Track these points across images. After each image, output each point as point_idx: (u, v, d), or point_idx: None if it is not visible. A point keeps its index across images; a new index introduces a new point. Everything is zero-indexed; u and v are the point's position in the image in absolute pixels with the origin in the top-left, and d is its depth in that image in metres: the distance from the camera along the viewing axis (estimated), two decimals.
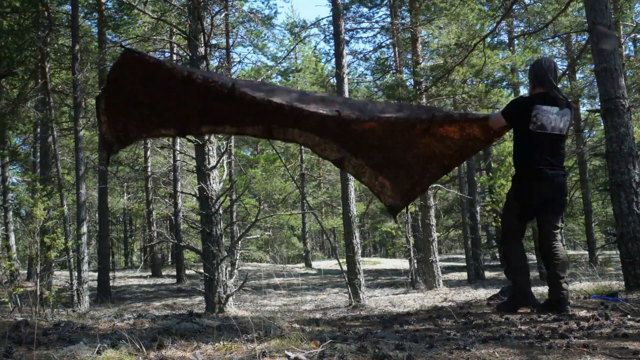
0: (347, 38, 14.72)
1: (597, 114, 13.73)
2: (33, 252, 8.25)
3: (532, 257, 15.43)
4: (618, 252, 5.10)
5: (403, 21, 14.60)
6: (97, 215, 17.93)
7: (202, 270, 7.89)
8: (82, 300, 10.69)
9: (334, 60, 13.72)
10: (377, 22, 15.84)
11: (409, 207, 13.30)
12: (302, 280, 16.51)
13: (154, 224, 20.22)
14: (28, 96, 12.62)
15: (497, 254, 22.06)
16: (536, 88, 3.72)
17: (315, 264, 24.80)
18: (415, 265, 13.53)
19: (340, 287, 13.93)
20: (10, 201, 16.76)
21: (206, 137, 7.85)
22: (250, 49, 23.97)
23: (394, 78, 14.66)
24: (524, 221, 3.92)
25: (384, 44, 16.13)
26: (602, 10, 5.11)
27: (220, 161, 8.13)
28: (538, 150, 3.63)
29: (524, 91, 18.30)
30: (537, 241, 11.59)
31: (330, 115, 3.43)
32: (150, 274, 19.43)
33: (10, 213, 16.75)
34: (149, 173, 19.01)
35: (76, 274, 11.00)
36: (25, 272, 16.86)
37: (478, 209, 16.95)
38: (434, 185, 14.11)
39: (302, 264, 24.46)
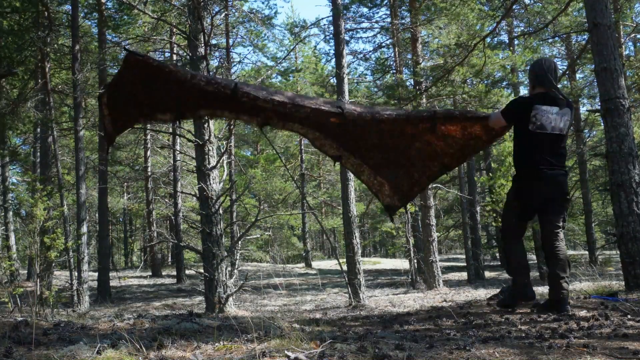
0: (347, 38, 14.72)
1: (597, 114, 13.73)
2: (33, 252, 8.25)
3: (532, 257, 15.43)
4: (618, 252, 5.10)
5: (403, 21, 14.60)
6: (97, 215, 17.94)
7: (202, 270, 7.89)
8: (82, 300, 10.69)
9: (334, 60, 13.74)
10: (377, 22, 15.85)
11: (409, 207, 13.30)
12: (302, 280, 16.51)
13: (154, 224, 20.23)
14: (28, 96, 12.61)
15: (497, 254, 22.07)
16: (536, 88, 3.72)
17: (315, 264, 24.80)
18: (415, 265, 13.54)
19: (340, 287, 13.93)
20: (10, 201, 16.76)
21: (206, 137, 7.85)
22: (250, 49, 23.98)
23: (394, 78, 14.66)
24: (524, 221, 3.92)
25: (384, 44, 16.14)
26: (602, 10, 5.11)
27: (220, 161, 8.13)
28: (538, 150, 3.63)
29: (524, 91, 18.31)
30: (537, 241, 11.62)
31: (332, 111, 3.47)
32: (150, 274, 19.43)
33: (10, 213, 16.75)
34: (149, 173, 19.01)
35: (76, 274, 11.00)
36: (25, 272, 16.86)
37: (478, 209, 16.96)
38: (434, 185, 14.11)
39: (302, 264, 24.46)
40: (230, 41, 17.53)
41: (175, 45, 14.72)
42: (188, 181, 19.94)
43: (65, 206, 11.34)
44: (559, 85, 4.27)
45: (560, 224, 3.69)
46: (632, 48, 19.16)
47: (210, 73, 8.16)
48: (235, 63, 17.84)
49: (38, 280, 8.32)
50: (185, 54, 11.59)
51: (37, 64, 12.80)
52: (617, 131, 4.88)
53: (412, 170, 4.14)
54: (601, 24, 5.06)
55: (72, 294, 10.77)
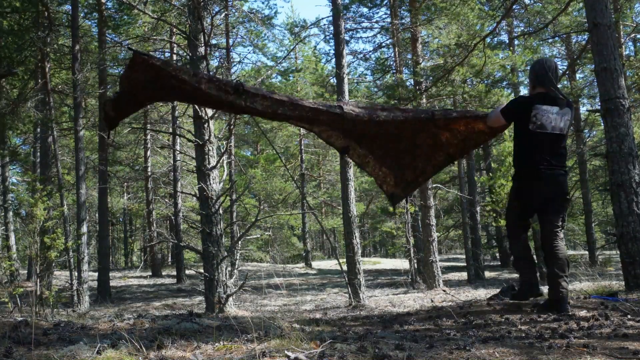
0: (347, 38, 14.72)
1: (597, 114, 13.73)
2: (33, 252, 8.25)
3: None
4: (618, 252, 5.10)
5: (403, 21, 14.60)
6: (97, 215, 17.94)
7: (202, 270, 7.89)
8: (82, 300, 10.69)
9: (334, 60, 13.72)
10: (377, 22, 15.84)
11: (409, 207, 13.31)
12: (302, 280, 16.51)
13: (154, 224, 20.22)
14: (28, 96, 12.61)
15: (497, 254, 22.07)
16: (536, 88, 3.72)
17: (315, 264, 24.80)
18: (415, 265, 13.54)
19: (340, 287, 13.94)
20: (10, 201, 16.76)
21: (206, 137, 7.86)
22: (250, 49, 23.98)
23: (394, 78, 14.66)
24: (524, 220, 3.93)
25: (384, 44, 16.14)
26: (602, 10, 5.11)
27: (220, 161, 8.13)
28: (538, 150, 3.63)
29: (524, 91, 18.32)
30: (537, 241, 11.61)
31: (332, 112, 3.52)
32: (150, 274, 19.43)
33: (10, 213, 16.74)
34: (149, 173, 19.02)
35: (76, 274, 11.00)
36: (25, 272, 16.87)
37: (478, 209, 16.96)
38: (434, 185, 14.12)
39: (302, 264, 24.46)
40: (230, 41, 17.53)
41: (175, 45, 14.73)
42: (188, 181, 19.94)
43: (65, 206, 11.34)
44: (559, 85, 4.27)
45: (560, 223, 3.69)
46: (632, 48, 19.17)
47: (210, 73, 8.15)
48: (235, 63, 17.86)
49: (38, 280, 8.32)
50: (185, 54, 11.60)
51: (37, 64, 12.80)
52: (617, 131, 4.88)
53: (417, 160, 4.17)
54: (601, 24, 5.06)
55: (72, 294, 10.78)
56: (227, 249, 8.09)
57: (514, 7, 13.60)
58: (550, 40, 17.33)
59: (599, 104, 5.23)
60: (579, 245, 24.78)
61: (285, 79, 23.69)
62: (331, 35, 13.09)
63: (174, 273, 18.09)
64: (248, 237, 11.49)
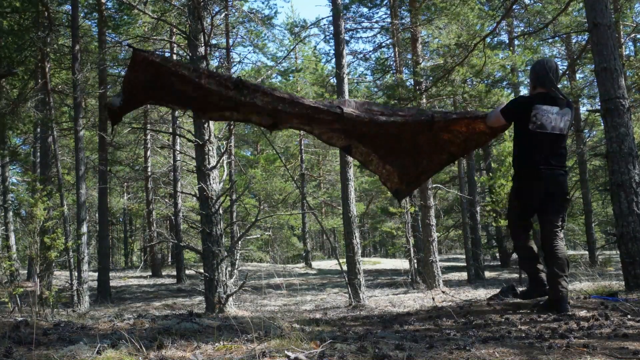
0: (347, 38, 14.72)
1: (597, 114, 13.73)
2: (33, 252, 8.25)
3: None
4: (618, 252, 5.10)
5: (403, 21, 14.60)
6: (97, 215, 17.94)
7: (202, 270, 7.89)
8: (82, 300, 10.69)
9: (334, 60, 13.73)
10: (377, 22, 15.84)
11: (409, 207, 13.31)
12: (302, 280, 16.51)
13: (154, 224, 20.22)
14: (28, 96, 12.61)
15: (497, 254, 22.07)
16: (537, 88, 3.73)
17: (315, 264, 24.80)
18: (415, 265, 13.53)
19: (340, 287, 13.93)
20: (10, 201, 16.76)
21: (206, 137, 7.86)
22: (250, 49, 23.96)
23: (394, 78, 14.66)
24: (525, 220, 3.93)
25: (384, 44, 16.14)
26: (602, 10, 5.11)
27: (220, 161, 8.13)
28: (538, 149, 3.64)
29: (524, 91, 18.31)
30: (537, 241, 11.62)
31: (332, 111, 3.53)
32: (150, 274, 19.43)
33: (10, 213, 16.74)
34: (149, 173, 19.02)
35: (76, 274, 11.00)
36: (25, 272, 16.86)
37: (478, 209, 16.95)
38: (434, 185, 14.12)
39: (302, 264, 24.46)
40: (230, 41, 17.53)
41: (175, 45, 14.72)
42: (188, 181, 19.94)
43: (65, 206, 11.34)
44: (559, 86, 4.27)
45: (560, 223, 3.69)
46: (632, 48, 19.18)
47: None
48: (235, 63, 17.84)
49: (38, 280, 8.32)
50: (185, 54, 11.59)
51: (37, 64, 12.80)
52: (617, 131, 4.88)
53: (419, 158, 4.18)
54: (601, 24, 5.06)
55: (72, 294, 10.77)
56: (227, 249, 8.09)
57: (514, 7, 13.60)
58: (550, 40, 17.34)
59: (599, 104, 5.23)
60: (579, 245, 24.79)
61: (285, 79, 23.69)
62: (331, 35, 13.10)
63: (174, 273, 18.09)
64: (248, 237, 11.50)
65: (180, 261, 17.16)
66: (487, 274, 16.59)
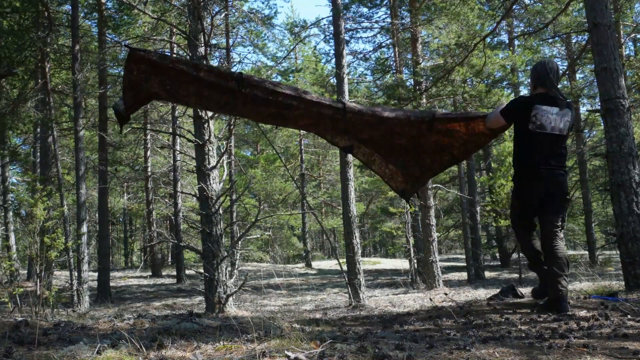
0: (347, 38, 14.72)
1: (597, 114, 13.73)
2: (33, 252, 8.24)
3: None
4: (618, 252, 5.10)
5: (403, 21, 14.60)
6: (97, 215, 17.93)
7: (202, 270, 7.89)
8: (82, 300, 10.69)
9: (334, 60, 13.74)
10: (377, 22, 15.84)
11: (409, 207, 13.31)
12: (302, 280, 16.51)
13: (154, 224, 20.22)
14: (28, 96, 12.61)
15: (497, 254, 22.07)
16: (537, 88, 3.74)
17: (315, 264, 24.80)
18: (415, 265, 13.53)
19: (340, 287, 13.93)
20: (10, 201, 16.76)
21: (206, 137, 7.85)
22: (250, 49, 24.00)
23: (394, 78, 14.66)
24: (525, 220, 3.93)
25: (384, 44, 16.14)
26: (602, 10, 5.11)
27: (220, 161, 8.13)
28: (537, 150, 3.64)
29: (524, 91, 18.31)
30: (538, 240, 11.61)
31: (334, 106, 3.54)
32: (150, 274, 19.42)
33: (10, 213, 16.74)
34: (149, 173, 19.01)
35: (76, 274, 11.00)
36: (25, 272, 16.86)
37: (478, 209, 16.95)
38: (434, 185, 14.11)
39: (302, 264, 24.46)
40: (230, 41, 17.53)
41: (175, 45, 14.72)
42: (188, 181, 19.94)
43: (65, 206, 11.34)
44: (559, 86, 4.28)
45: (560, 223, 3.69)
46: (632, 48, 19.17)
47: None
48: (235, 63, 17.83)
49: (38, 280, 8.31)
50: (185, 54, 11.59)
51: (37, 64, 12.80)
52: (617, 131, 4.88)
53: (422, 157, 4.20)
54: (601, 24, 5.06)
55: (72, 294, 10.77)
56: (227, 249, 8.09)
57: (514, 7, 13.60)
58: (550, 40, 17.33)
59: (599, 104, 5.23)
60: (579, 245, 24.79)
61: (286, 79, 23.69)
62: (331, 35, 13.10)
63: (174, 273, 18.09)
64: (248, 237, 11.49)
65: (180, 261, 17.16)
66: (487, 274, 16.59)
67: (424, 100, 12.68)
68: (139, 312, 8.93)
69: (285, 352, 2.39)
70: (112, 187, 21.01)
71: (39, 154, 15.16)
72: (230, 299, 7.62)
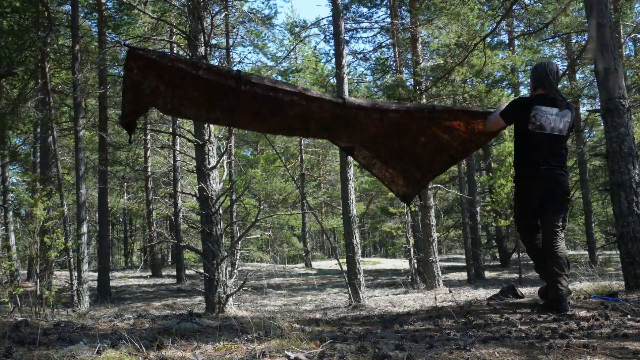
0: (347, 38, 14.71)
1: (597, 114, 13.73)
2: (33, 252, 8.24)
3: None
4: (618, 252, 5.10)
5: (403, 21, 14.60)
6: (97, 215, 17.93)
7: (202, 270, 7.89)
8: (82, 300, 10.69)
9: (334, 60, 13.72)
10: (377, 22, 15.84)
11: (409, 207, 13.30)
12: (302, 280, 16.51)
13: (154, 224, 20.22)
14: (28, 96, 12.61)
15: (497, 254, 22.07)
16: (537, 89, 3.76)
17: (315, 264, 24.80)
18: (415, 265, 13.53)
19: (340, 287, 13.93)
20: (10, 201, 16.76)
21: (206, 137, 7.86)
22: (250, 49, 23.98)
23: (394, 78, 14.66)
24: (525, 220, 3.93)
25: (384, 44, 16.14)
26: (602, 10, 5.11)
27: (220, 161, 8.13)
28: (537, 150, 3.66)
29: (524, 91, 18.32)
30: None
31: (334, 101, 3.54)
32: (150, 274, 19.42)
33: (10, 213, 16.74)
34: (149, 173, 19.01)
35: (76, 274, 11.00)
36: (25, 272, 16.86)
37: (478, 209, 16.95)
38: (434, 185, 14.11)
39: (302, 264, 24.46)
40: (230, 41, 17.52)
41: (175, 45, 14.72)
42: (188, 181, 19.94)
43: (65, 206, 11.34)
44: (559, 86, 4.29)
45: (560, 223, 3.69)
46: (632, 48, 19.17)
47: None
48: (235, 63, 17.83)
49: (38, 280, 8.32)
50: (185, 54, 11.59)
51: (37, 64, 12.80)
52: (617, 131, 4.88)
53: (421, 161, 4.21)
54: (601, 24, 5.06)
55: (72, 294, 10.77)
56: (227, 249, 8.09)
57: (514, 7, 13.60)
58: (550, 40, 17.33)
59: (599, 104, 5.22)
60: (579, 245, 24.78)
61: (286, 78, 23.68)
62: (331, 35, 13.09)
63: (174, 273, 18.08)
64: (248, 237, 11.49)
65: (180, 261, 17.16)
66: (487, 274, 16.59)
67: (424, 101, 12.68)
68: (139, 312, 8.94)
69: (285, 352, 2.39)
70: (112, 187, 21.00)
71: (39, 154, 15.16)
72: (230, 299, 7.62)
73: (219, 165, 8.03)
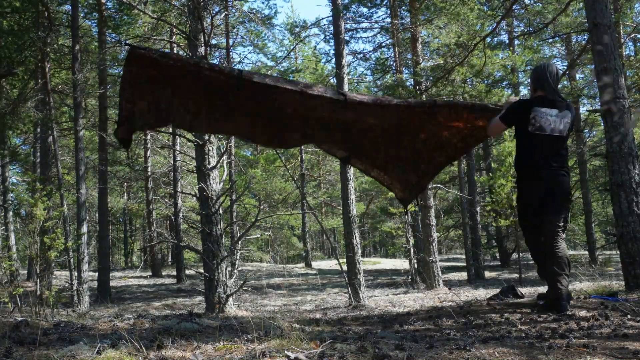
0: (347, 38, 14.72)
1: (597, 114, 13.73)
2: (33, 252, 8.25)
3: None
4: (618, 252, 5.10)
5: (403, 21, 14.60)
6: (97, 215, 17.93)
7: (202, 270, 7.89)
8: (82, 300, 10.69)
9: (334, 60, 13.73)
10: (377, 22, 15.84)
11: (409, 207, 13.30)
12: (302, 280, 16.50)
13: (154, 224, 20.21)
14: (28, 96, 12.61)
15: (497, 254, 22.07)
16: (537, 91, 3.78)
17: (315, 264, 24.80)
18: (415, 265, 13.53)
19: (340, 287, 13.93)
20: (10, 201, 16.76)
21: (206, 137, 7.86)
22: (250, 49, 23.98)
23: (394, 78, 14.66)
24: (525, 220, 3.93)
25: (384, 44, 16.14)
26: (602, 10, 5.11)
27: (220, 161, 8.13)
28: (538, 150, 3.68)
29: (524, 91, 18.32)
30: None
31: (335, 98, 3.51)
32: (150, 274, 19.42)
33: (10, 213, 16.74)
34: (149, 173, 19.01)
35: (76, 274, 11.00)
36: (25, 272, 16.86)
37: (478, 209, 16.95)
38: (434, 185, 14.11)
39: (302, 264, 24.46)
40: (230, 41, 17.52)
41: (175, 45, 14.72)
42: (188, 181, 19.93)
43: (65, 206, 11.34)
44: (559, 86, 4.29)
45: (561, 223, 3.69)
46: (632, 48, 19.17)
47: None
48: (235, 63, 17.83)
49: (38, 280, 8.32)
50: (185, 54, 11.58)
51: (37, 64, 12.80)
52: (617, 131, 4.88)
53: (419, 162, 4.21)
54: (601, 24, 5.06)
55: (72, 294, 10.77)
56: (227, 249, 8.09)
57: (514, 7, 13.60)
58: (550, 40, 17.34)
59: (599, 104, 5.22)
60: (579, 245, 24.78)
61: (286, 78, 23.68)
62: (331, 35, 13.09)
63: (174, 273, 18.08)
64: (248, 237, 11.49)
65: (180, 261, 17.16)
66: (487, 274, 16.59)
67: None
68: (139, 312, 8.94)
69: (285, 352, 2.39)
70: (112, 187, 21.01)
71: (39, 154, 15.16)
72: (230, 299, 7.62)
73: (219, 165, 8.03)
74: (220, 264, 7.57)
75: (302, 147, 24.87)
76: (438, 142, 4.08)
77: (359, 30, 16.13)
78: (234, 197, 15.97)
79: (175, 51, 15.42)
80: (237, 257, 8.86)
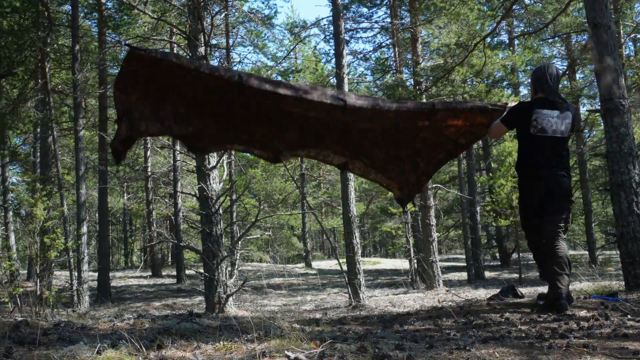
0: (347, 38, 14.72)
1: (597, 114, 13.73)
2: (33, 252, 8.25)
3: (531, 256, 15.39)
4: (618, 252, 5.09)
5: (403, 21, 14.60)
6: (97, 215, 17.94)
7: (202, 270, 7.89)
8: (82, 300, 10.69)
9: (334, 60, 13.73)
10: (377, 22, 15.84)
11: (409, 207, 13.30)
12: (302, 280, 16.50)
13: (154, 224, 20.22)
14: (28, 96, 12.62)
15: (497, 254, 22.08)
16: (538, 92, 3.79)
17: (315, 264, 24.80)
18: (415, 265, 13.53)
19: (340, 287, 13.93)
20: (10, 201, 16.76)
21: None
22: (250, 49, 23.99)
23: (394, 78, 14.66)
24: (526, 220, 3.93)
25: (384, 44, 16.14)
26: (602, 10, 5.11)
27: (220, 161, 8.13)
28: (539, 152, 3.70)
29: (524, 91, 18.32)
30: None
31: (335, 104, 3.50)
32: (150, 274, 19.42)
33: (10, 213, 16.74)
34: (149, 173, 19.01)
35: (76, 274, 11.00)
36: (25, 272, 16.86)
37: (478, 209, 16.95)
38: (434, 185, 14.11)
39: (302, 264, 24.46)
40: (230, 41, 17.52)
41: (175, 45, 14.71)
42: (188, 181, 19.93)
43: (65, 206, 11.35)
44: (560, 86, 4.30)
45: (562, 223, 3.68)
46: (632, 48, 19.17)
47: None
48: (235, 63, 17.82)
49: (38, 280, 8.32)
50: (185, 54, 11.59)
51: (37, 64, 12.80)
52: (617, 131, 4.88)
53: (418, 161, 4.20)
54: (601, 24, 5.06)
55: (72, 294, 10.77)
56: (227, 249, 8.09)
57: (514, 7, 13.61)
58: (550, 40, 17.33)
59: (599, 104, 5.22)
60: (579, 245, 24.78)
61: (285, 79, 23.68)
62: (331, 35, 13.09)
63: (174, 273, 18.09)
64: (248, 237, 11.49)
65: (180, 261, 17.16)
66: (487, 274, 16.59)
67: (424, 101, 12.67)
68: (139, 312, 8.94)
69: (285, 352, 2.39)
70: (112, 187, 21.00)
71: (39, 154, 15.16)
72: (230, 299, 7.62)
73: (219, 165, 8.03)
74: (220, 264, 7.57)
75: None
76: (438, 141, 4.08)
77: (359, 30, 16.13)
78: (234, 197, 15.98)
79: (175, 51, 15.42)
80: (237, 257, 8.86)
